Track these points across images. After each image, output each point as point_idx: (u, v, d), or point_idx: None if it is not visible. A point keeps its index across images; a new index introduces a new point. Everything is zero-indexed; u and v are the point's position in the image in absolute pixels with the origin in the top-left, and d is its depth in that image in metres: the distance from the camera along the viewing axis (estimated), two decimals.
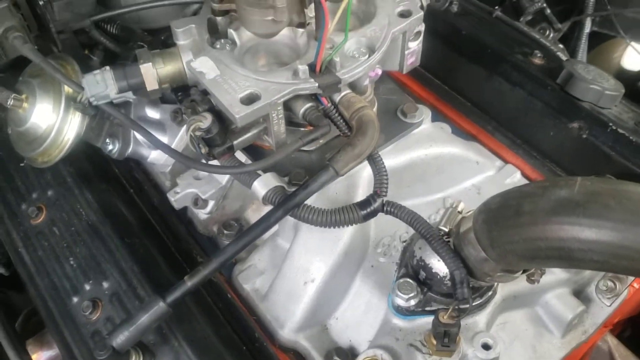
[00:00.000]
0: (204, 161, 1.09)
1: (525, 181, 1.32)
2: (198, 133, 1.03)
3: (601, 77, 1.34)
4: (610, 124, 1.30)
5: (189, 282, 0.99)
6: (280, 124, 1.08)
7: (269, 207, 1.06)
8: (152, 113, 1.35)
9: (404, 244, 1.18)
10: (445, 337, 0.98)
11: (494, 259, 0.89)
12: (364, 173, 1.20)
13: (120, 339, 0.97)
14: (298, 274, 1.15)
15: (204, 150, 1.05)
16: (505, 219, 0.83)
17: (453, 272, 0.95)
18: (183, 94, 1.18)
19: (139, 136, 1.31)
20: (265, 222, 1.02)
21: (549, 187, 0.79)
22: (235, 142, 1.09)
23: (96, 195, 1.30)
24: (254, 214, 1.36)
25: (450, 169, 1.28)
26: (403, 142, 1.25)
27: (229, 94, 1.01)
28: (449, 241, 0.99)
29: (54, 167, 1.28)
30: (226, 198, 1.31)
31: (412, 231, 1.20)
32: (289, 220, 1.17)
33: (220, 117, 1.06)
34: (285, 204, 1.02)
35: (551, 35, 1.97)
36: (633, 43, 1.95)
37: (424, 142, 1.26)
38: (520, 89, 1.40)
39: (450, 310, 0.96)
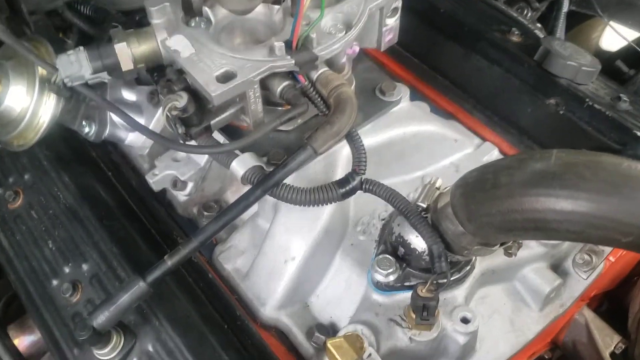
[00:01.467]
0: (181, 141, 1.08)
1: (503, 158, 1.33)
2: (174, 112, 1.02)
3: (578, 53, 1.34)
4: (587, 100, 1.31)
5: (169, 262, 0.99)
6: (258, 103, 1.07)
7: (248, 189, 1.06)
8: (128, 95, 1.34)
9: (383, 221, 1.19)
10: (424, 310, 0.99)
11: (472, 232, 0.90)
12: (343, 152, 1.20)
13: (100, 319, 0.96)
14: (278, 253, 1.15)
15: (180, 130, 1.04)
16: (482, 192, 0.84)
17: (431, 247, 0.96)
18: (159, 75, 1.17)
19: (115, 118, 1.30)
20: (245, 201, 1.02)
21: (525, 160, 0.80)
22: (212, 122, 1.08)
23: (74, 178, 1.28)
24: (233, 196, 1.36)
25: (429, 147, 1.28)
26: (381, 121, 1.25)
27: (205, 72, 1.00)
28: (426, 217, 1.00)
29: (30, 151, 1.26)
30: (205, 180, 1.31)
31: (390, 209, 1.22)
32: (269, 200, 1.17)
33: (197, 96, 1.05)
34: (264, 183, 1.02)
35: (529, 14, 1.98)
36: (611, 23, 1.97)
37: (402, 121, 1.26)
38: (498, 67, 1.41)
39: (428, 284, 0.97)
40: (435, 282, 0.96)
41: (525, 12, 1.98)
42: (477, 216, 0.86)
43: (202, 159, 1.28)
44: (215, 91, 0.98)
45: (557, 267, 1.22)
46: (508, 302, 1.19)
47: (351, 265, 1.17)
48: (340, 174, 1.19)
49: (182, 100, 1.01)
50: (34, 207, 1.26)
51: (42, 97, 1.18)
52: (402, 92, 1.27)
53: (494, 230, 0.86)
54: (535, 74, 1.36)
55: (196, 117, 1.05)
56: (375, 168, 1.20)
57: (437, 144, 1.29)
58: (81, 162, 1.35)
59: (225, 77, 1.00)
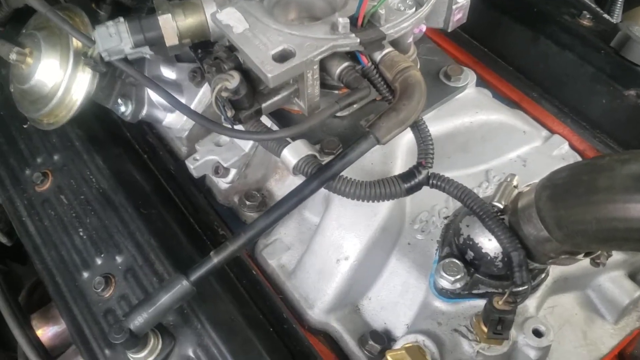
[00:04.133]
0: (228, 125, 0.98)
1: (573, 153, 1.22)
2: (224, 94, 0.92)
3: None
4: None
5: (215, 259, 0.89)
6: (315, 86, 0.97)
7: (292, 178, 0.95)
8: (168, 72, 1.24)
9: (446, 220, 1.08)
10: (499, 324, 0.88)
11: (559, 239, 0.80)
12: (403, 140, 1.09)
13: (138, 321, 0.87)
14: (330, 251, 1.05)
15: (230, 113, 0.94)
16: (576, 196, 0.73)
17: (510, 254, 0.85)
18: (203, 51, 1.08)
19: (153, 97, 1.20)
20: (299, 195, 0.92)
21: (628, 160, 0.69)
22: (263, 105, 0.99)
23: (107, 161, 1.19)
24: (277, 184, 1.26)
25: (496, 139, 1.17)
26: (446, 108, 1.14)
27: (260, 50, 0.90)
28: (503, 219, 0.89)
29: (61, 130, 1.18)
30: (248, 166, 1.21)
31: (452, 206, 1.12)
32: (320, 191, 1.06)
33: (248, 76, 0.95)
34: (321, 174, 0.92)
35: None
36: None
37: (468, 109, 1.15)
38: (570, 53, 1.29)
39: (506, 296, 0.86)
40: (513, 293, 0.86)
41: None
42: (568, 223, 0.76)
43: (247, 145, 1.18)
44: (272, 71, 0.88)
45: (635, 275, 1.11)
46: (580, 312, 1.08)
47: (409, 267, 1.06)
48: (400, 164, 1.09)
49: (233, 80, 0.91)
50: (64, 190, 1.18)
51: (76, 72, 1.11)
52: (469, 78, 1.15)
53: (588, 240, 0.75)
54: (613, 61, 1.24)
55: (247, 100, 0.95)
56: (436, 160, 1.09)
57: (505, 136, 1.18)
58: (115, 143, 1.26)
59: (283, 56, 0.90)
